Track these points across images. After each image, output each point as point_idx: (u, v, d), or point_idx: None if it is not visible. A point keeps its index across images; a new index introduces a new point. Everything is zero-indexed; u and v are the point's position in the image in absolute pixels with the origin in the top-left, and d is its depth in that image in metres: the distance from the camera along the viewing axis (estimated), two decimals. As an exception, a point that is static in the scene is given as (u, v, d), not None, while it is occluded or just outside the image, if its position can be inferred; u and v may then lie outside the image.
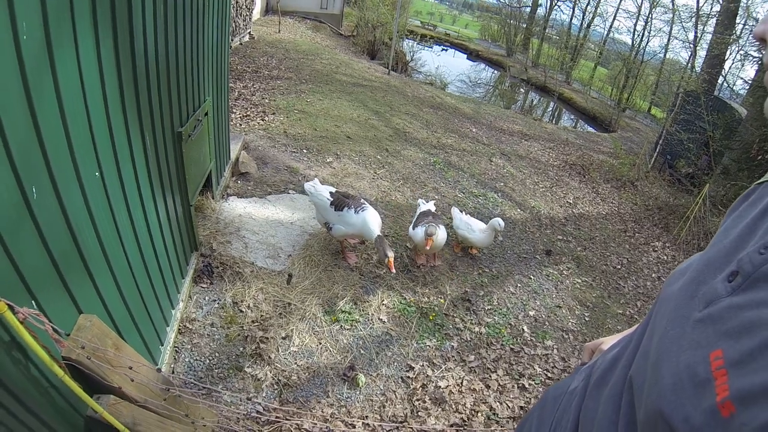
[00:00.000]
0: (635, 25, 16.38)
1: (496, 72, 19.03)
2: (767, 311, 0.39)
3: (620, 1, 18.63)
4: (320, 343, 2.71)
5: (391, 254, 2.94)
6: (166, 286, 2.26)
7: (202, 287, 2.82)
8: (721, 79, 9.69)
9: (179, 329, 2.51)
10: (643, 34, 15.45)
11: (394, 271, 3.01)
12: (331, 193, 3.26)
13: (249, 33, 10.55)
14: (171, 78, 2.14)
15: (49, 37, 1.05)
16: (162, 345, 2.24)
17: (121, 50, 1.51)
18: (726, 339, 0.41)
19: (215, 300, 2.78)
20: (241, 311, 2.75)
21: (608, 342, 0.93)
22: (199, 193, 3.03)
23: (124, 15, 1.52)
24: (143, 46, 1.73)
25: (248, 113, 5.90)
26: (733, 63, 13.27)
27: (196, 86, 2.67)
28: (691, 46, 10.63)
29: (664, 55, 14.95)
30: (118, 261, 1.62)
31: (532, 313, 3.52)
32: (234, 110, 5.83)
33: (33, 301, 1.14)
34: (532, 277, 4.01)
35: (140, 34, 1.68)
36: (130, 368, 1.25)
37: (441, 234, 3.32)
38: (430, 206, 3.71)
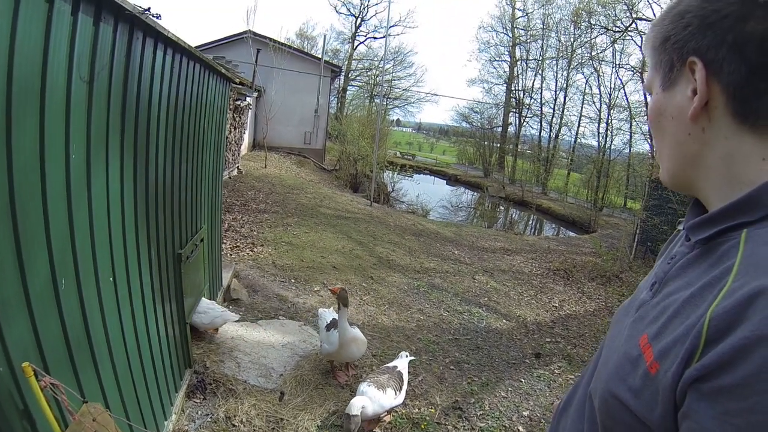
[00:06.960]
0: (598, 127, 17.88)
1: (475, 194, 19.99)
2: (674, 297, 0.56)
3: (581, 109, 20.49)
4: (313, 454, 2.67)
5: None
6: (160, 396, 2.33)
7: (195, 402, 2.84)
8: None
9: (171, 445, 2.50)
10: (606, 135, 16.79)
11: None
12: (333, 319, 3.47)
13: (237, 167, 10.98)
14: (174, 203, 2.48)
15: (89, 159, 1.37)
16: (154, 458, 2.24)
17: (139, 175, 1.85)
18: (649, 325, 0.58)
19: (208, 414, 2.79)
20: (234, 425, 2.75)
21: None
22: (193, 313, 3.20)
23: (143, 145, 1.88)
24: (155, 173, 2.08)
25: (238, 244, 6.24)
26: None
27: (195, 212, 3.01)
28: (649, 136, 11.67)
29: (630, 150, 16.11)
30: (120, 360, 1.77)
31: (526, 413, 3.49)
32: (224, 241, 6.15)
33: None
34: (522, 380, 4.01)
35: (153, 162, 2.04)
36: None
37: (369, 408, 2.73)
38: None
